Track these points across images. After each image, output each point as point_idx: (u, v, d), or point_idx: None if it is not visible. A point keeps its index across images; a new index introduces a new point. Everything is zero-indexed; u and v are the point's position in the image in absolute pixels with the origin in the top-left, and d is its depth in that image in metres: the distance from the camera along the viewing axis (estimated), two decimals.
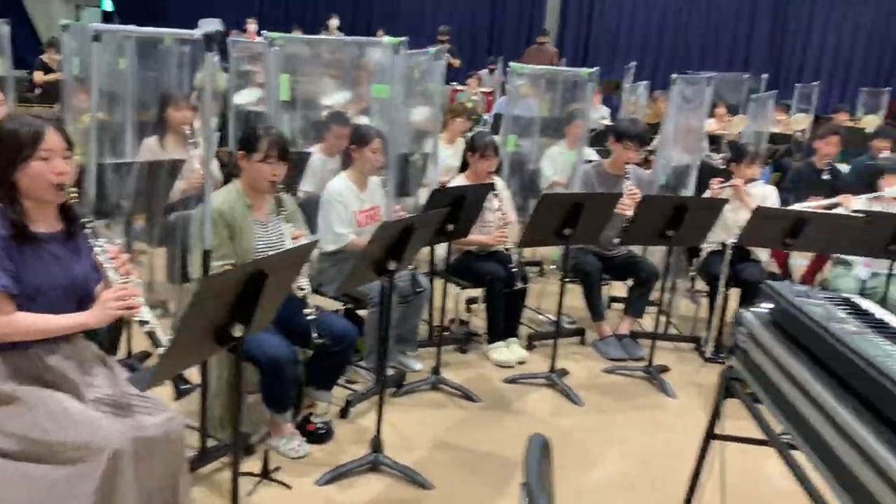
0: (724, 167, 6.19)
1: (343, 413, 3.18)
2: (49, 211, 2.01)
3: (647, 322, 4.45)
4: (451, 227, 3.37)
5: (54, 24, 13.33)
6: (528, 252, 5.85)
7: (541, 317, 4.65)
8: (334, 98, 5.36)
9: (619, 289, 4.73)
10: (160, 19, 13.11)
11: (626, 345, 4.19)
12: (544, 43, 11.08)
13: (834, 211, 4.19)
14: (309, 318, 2.58)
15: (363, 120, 4.81)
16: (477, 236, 3.87)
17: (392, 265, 2.61)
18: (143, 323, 1.93)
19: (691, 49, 13.25)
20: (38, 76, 8.64)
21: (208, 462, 2.67)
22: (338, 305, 3.62)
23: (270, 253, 2.75)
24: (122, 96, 3.75)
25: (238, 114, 4.73)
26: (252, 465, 2.70)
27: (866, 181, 4.61)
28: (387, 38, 3.09)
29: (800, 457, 1.58)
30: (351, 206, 3.53)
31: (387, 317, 2.94)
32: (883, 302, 3.98)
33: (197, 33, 2.39)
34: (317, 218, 3.53)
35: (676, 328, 4.61)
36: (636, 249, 4.55)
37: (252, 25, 10.78)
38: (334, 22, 11.43)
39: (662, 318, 4.17)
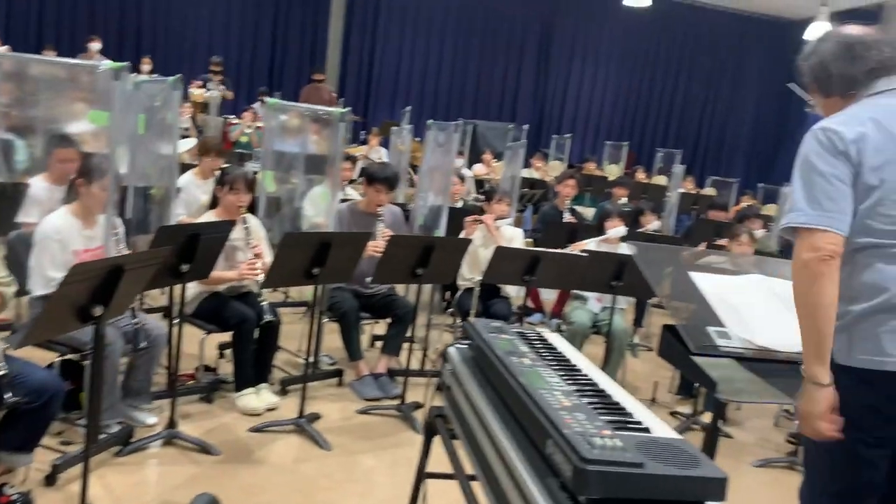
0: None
1: (49, 479, 2.78)
2: None
3: (405, 359, 4.50)
4: (185, 267, 3.15)
5: None
6: (294, 292, 5.71)
7: (299, 360, 4.51)
8: (81, 126, 4.88)
9: (381, 327, 4.75)
10: None
11: (382, 383, 4.20)
12: (321, 81, 11.10)
13: (564, 251, 4.57)
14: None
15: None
16: (222, 273, 3.67)
17: (97, 311, 2.35)
18: None
19: (465, 98, 14.08)
20: None
21: None
22: (53, 356, 3.21)
23: None
24: None
25: None
26: None
27: (599, 223, 5.14)
28: (106, 63, 2.83)
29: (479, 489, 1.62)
30: (72, 244, 3.17)
31: (98, 367, 2.64)
32: (608, 332, 4.40)
33: None
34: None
35: (434, 364, 4.72)
36: (398, 287, 4.62)
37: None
38: (95, 45, 10.53)
39: (419, 355, 4.24)
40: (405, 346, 4.46)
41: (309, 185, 5.54)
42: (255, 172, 4.46)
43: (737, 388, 2.05)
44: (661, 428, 1.38)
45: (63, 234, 3.15)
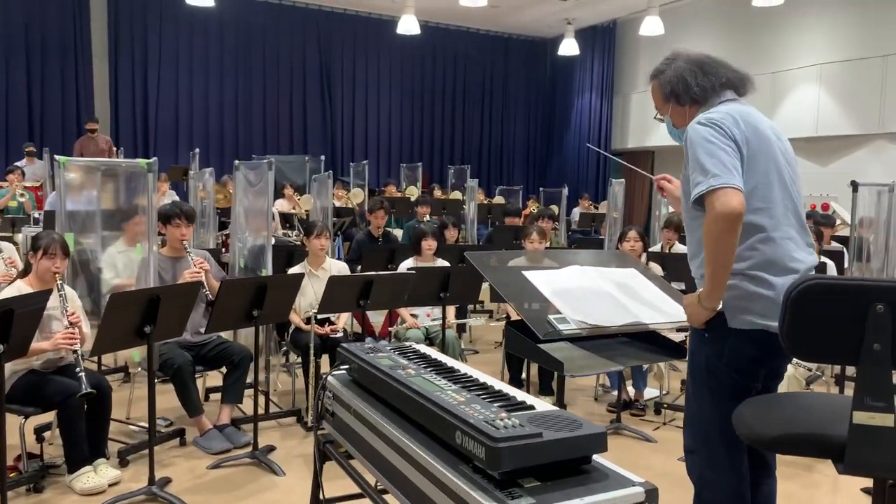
0: (300, 244, 6.59)
1: None
2: None
3: (248, 405, 4.41)
4: (0, 347, 2.87)
5: None
6: (108, 359, 5.32)
7: (132, 427, 4.23)
8: None
9: (214, 378, 4.60)
10: None
11: (228, 434, 4.08)
12: (94, 131, 10.34)
13: (387, 272, 4.78)
14: None
15: None
16: (39, 344, 3.37)
17: None
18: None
19: (254, 135, 13.85)
20: None
21: None
22: None
23: None
24: None
25: None
26: None
27: (413, 242, 5.40)
28: None
29: (392, 500, 1.74)
30: None
31: None
32: (443, 343, 4.67)
33: None
34: None
35: (277, 405, 4.67)
36: (226, 334, 4.51)
37: None
38: None
39: (262, 398, 4.18)
40: (246, 391, 4.39)
41: (105, 243, 5.19)
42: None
43: (579, 365, 2.37)
44: (540, 404, 1.61)
45: None
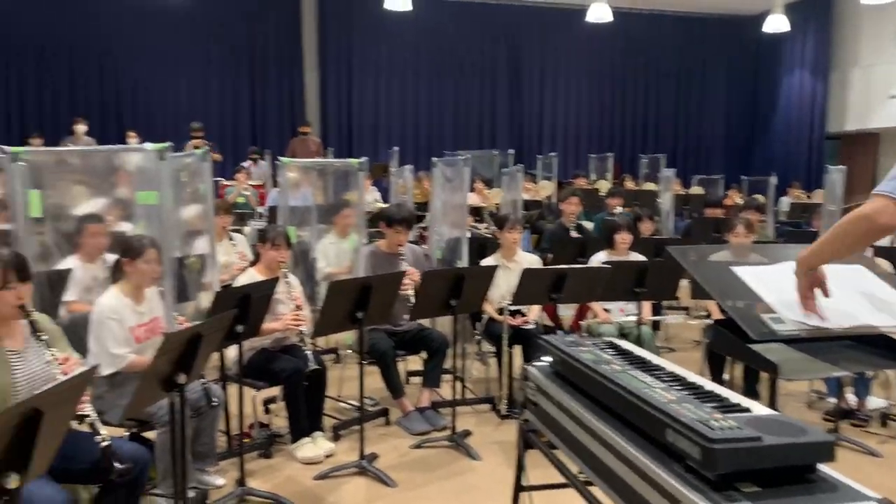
0: (491, 236, 6.75)
1: None
2: None
3: (445, 390, 4.62)
4: (240, 328, 3.28)
5: None
6: (321, 340, 5.83)
7: (343, 404, 4.62)
8: (88, 206, 5.01)
9: (414, 362, 4.87)
10: None
11: (428, 417, 4.31)
12: (307, 133, 11.34)
13: (581, 266, 4.74)
14: (102, 444, 2.35)
15: (125, 227, 4.55)
16: (270, 324, 3.80)
17: (181, 379, 2.48)
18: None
19: (445, 131, 14.39)
20: None
21: None
22: (120, 430, 3.30)
23: (36, 382, 2.49)
24: None
25: None
26: None
27: (606, 235, 5.31)
28: (149, 145, 2.99)
29: (597, 491, 1.76)
30: (127, 321, 3.28)
31: (181, 435, 2.74)
32: (638, 339, 4.55)
33: None
34: (87, 337, 3.23)
35: (472, 391, 4.84)
36: (425, 321, 4.76)
37: None
38: (81, 127, 10.72)
39: (458, 385, 4.37)
40: (443, 376, 4.61)
41: (320, 236, 5.69)
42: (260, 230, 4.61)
43: (796, 369, 2.21)
44: (757, 407, 1.54)
45: (118, 313, 3.27)
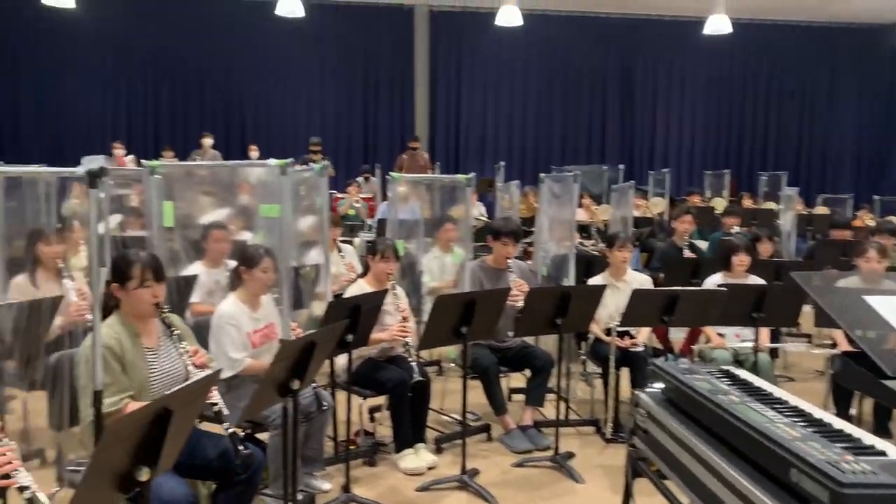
0: (598, 254, 6.62)
1: None
2: None
3: (548, 410, 4.56)
4: (350, 337, 3.38)
5: None
6: (424, 352, 5.90)
7: (445, 417, 4.65)
8: (213, 216, 5.34)
9: (517, 379, 4.84)
10: (10, 150, 12.58)
11: (531, 435, 4.27)
12: (416, 148, 11.59)
13: (695, 288, 4.56)
14: (228, 431, 2.49)
15: (245, 236, 4.81)
16: (377, 335, 3.90)
17: (295, 384, 2.58)
18: (22, 489, 1.77)
19: (553, 146, 14.30)
20: None
21: None
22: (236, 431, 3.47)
23: (167, 379, 2.67)
24: None
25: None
26: None
27: (722, 255, 5.08)
28: (273, 160, 3.16)
29: None
30: (244, 327, 3.46)
31: (294, 438, 2.86)
32: (755, 367, 4.32)
33: (80, 170, 2.35)
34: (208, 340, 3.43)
35: (576, 412, 4.75)
36: (529, 339, 4.72)
37: (119, 150, 10.57)
38: (208, 141, 11.44)
39: (562, 405, 4.30)
40: (547, 396, 4.55)
41: (426, 249, 5.78)
42: (369, 242, 4.74)
43: None
44: (894, 451, 1.42)
45: (236, 319, 3.45)
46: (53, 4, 10.48)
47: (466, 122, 14.16)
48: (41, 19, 12.24)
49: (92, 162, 2.28)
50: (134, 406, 2.51)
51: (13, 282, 3.73)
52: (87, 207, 4.61)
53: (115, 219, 5.61)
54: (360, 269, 5.44)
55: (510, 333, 4.30)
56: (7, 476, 1.74)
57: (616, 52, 14.30)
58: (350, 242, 7.62)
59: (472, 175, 4.38)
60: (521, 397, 4.68)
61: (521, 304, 4.09)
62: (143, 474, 1.72)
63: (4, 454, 1.75)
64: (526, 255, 7.01)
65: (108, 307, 2.69)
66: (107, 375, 2.45)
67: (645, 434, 2.02)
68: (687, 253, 6.19)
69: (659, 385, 2.03)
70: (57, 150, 12.80)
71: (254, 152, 11.65)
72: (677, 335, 5.70)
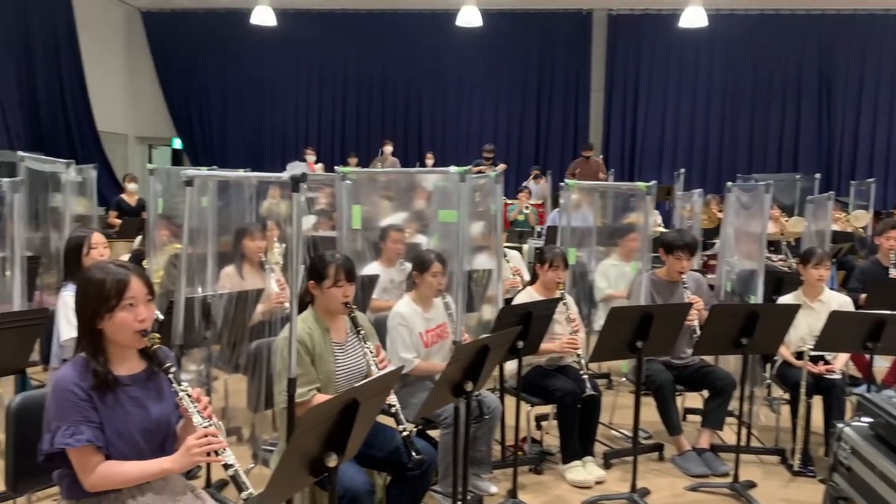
0: (788, 269, 6.11)
1: None
2: (131, 353, 2.02)
3: (727, 434, 4.28)
4: (521, 343, 3.39)
5: (129, 163, 14.37)
6: (594, 364, 5.78)
7: (614, 432, 4.52)
8: (391, 219, 5.59)
9: (692, 399, 4.60)
10: (220, 156, 14.05)
11: (707, 459, 4.03)
12: (590, 156, 11.41)
13: None
14: (403, 434, 2.60)
15: (420, 239, 4.99)
16: (547, 345, 3.87)
17: (469, 386, 2.63)
18: (227, 466, 1.91)
19: (738, 153, 13.42)
20: (112, 218, 9.17)
21: None
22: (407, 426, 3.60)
23: (350, 374, 2.83)
24: (203, 230, 3.98)
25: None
26: None
27: None
28: (453, 168, 3.26)
29: None
30: (416, 327, 3.58)
31: (466, 439, 2.92)
32: None
33: (285, 176, 2.57)
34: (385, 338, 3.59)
35: (758, 440, 4.42)
36: (708, 358, 4.47)
37: (311, 156, 11.43)
38: (388, 148, 12.04)
39: (743, 430, 4.01)
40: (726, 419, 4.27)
41: (598, 258, 5.65)
42: (538, 249, 4.72)
43: None
44: None
45: (408, 320, 3.58)
46: (258, 23, 11.61)
47: (643, 127, 13.68)
48: (246, 39, 13.59)
49: (295, 168, 2.48)
50: (321, 398, 2.69)
51: (222, 273, 4.15)
52: (282, 208, 5.04)
53: (310, 220, 6.06)
54: (527, 276, 5.45)
55: (688, 351, 4.09)
56: (217, 453, 1.91)
57: (812, 50, 13.12)
58: (519, 249, 7.65)
59: (652, 183, 4.22)
60: (696, 418, 4.44)
61: (696, 323, 3.89)
62: (332, 460, 1.84)
63: (216, 435, 1.92)
64: (707, 269, 6.64)
65: (304, 302, 2.90)
66: (298, 367, 2.64)
67: (848, 471, 1.83)
68: (893, 273, 5.53)
69: (866, 419, 1.83)
70: (257, 156, 14.12)
71: (430, 160, 12.09)
72: (881, 363, 5.13)
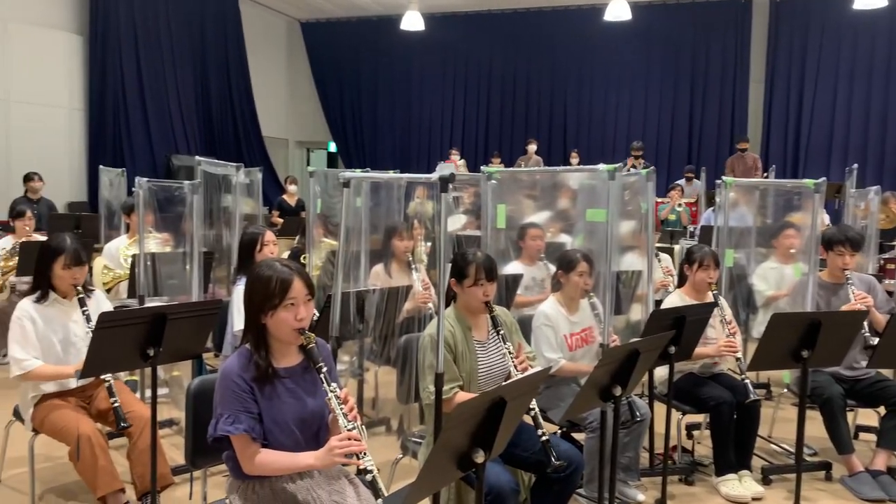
0: None
1: None
2: (291, 347, 2.14)
3: None
4: (673, 348, 3.25)
5: (289, 166, 15.37)
6: (751, 373, 5.42)
7: (773, 446, 4.23)
8: (533, 218, 5.56)
9: (865, 416, 4.20)
10: (371, 158, 14.64)
11: (883, 483, 3.66)
12: (745, 150, 10.72)
13: None
14: (542, 439, 2.59)
15: (564, 239, 4.91)
16: (702, 349, 3.69)
17: (617, 391, 2.56)
18: (365, 472, 1.97)
19: None
20: (275, 217, 9.85)
21: None
22: (552, 427, 3.57)
23: (492, 372, 2.85)
24: (357, 229, 4.17)
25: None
26: None
27: None
28: (602, 166, 3.18)
29: None
30: (561, 329, 3.53)
31: (613, 444, 2.84)
32: None
33: (434, 176, 2.63)
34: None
35: None
36: (886, 371, 4.06)
37: (455, 155, 11.65)
38: (532, 147, 12.00)
39: None
40: None
41: (757, 259, 5.30)
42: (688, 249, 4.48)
43: None
44: None
45: (552, 321, 3.54)
46: (408, 28, 11.98)
47: (808, 119, 12.60)
48: (396, 44, 14.07)
49: (444, 169, 2.53)
50: (463, 396, 2.73)
51: (373, 270, 4.33)
52: (427, 208, 5.17)
53: (461, 219, 6.16)
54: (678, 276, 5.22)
55: (862, 362, 3.74)
56: (357, 457, 1.98)
57: None
58: (669, 251, 7.33)
59: (821, 180, 3.90)
60: (870, 437, 4.06)
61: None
62: (479, 456, 1.86)
63: (358, 439, 2.00)
64: (885, 273, 6.04)
65: (447, 299, 2.96)
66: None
67: None
68: None
69: None
70: (405, 157, 14.59)
71: (574, 158, 11.90)
72: None
